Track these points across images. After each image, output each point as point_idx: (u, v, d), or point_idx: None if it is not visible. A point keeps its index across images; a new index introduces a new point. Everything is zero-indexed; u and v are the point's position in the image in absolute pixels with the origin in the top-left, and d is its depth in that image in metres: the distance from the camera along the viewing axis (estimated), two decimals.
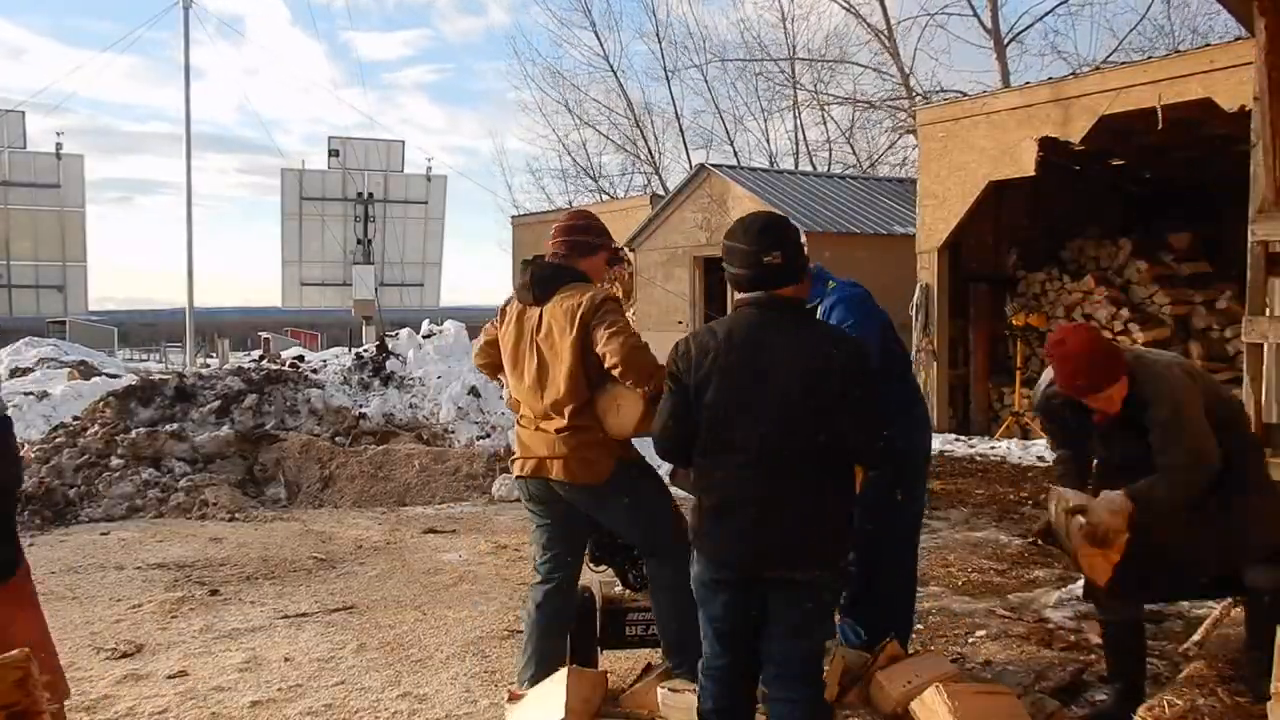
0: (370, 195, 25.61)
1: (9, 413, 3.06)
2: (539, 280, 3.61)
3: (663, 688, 3.28)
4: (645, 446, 3.39)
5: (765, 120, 29.85)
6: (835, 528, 2.77)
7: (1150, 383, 3.28)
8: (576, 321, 3.44)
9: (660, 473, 3.79)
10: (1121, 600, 3.48)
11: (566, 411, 3.50)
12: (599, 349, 3.40)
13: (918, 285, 12.12)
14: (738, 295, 2.87)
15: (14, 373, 13.20)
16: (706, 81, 33.92)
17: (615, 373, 3.39)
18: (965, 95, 14.83)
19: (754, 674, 2.84)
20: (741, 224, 2.88)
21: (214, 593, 5.61)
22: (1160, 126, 9.34)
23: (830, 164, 27.49)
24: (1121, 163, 12.08)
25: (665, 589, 3.56)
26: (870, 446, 2.79)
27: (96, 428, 8.85)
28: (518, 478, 3.71)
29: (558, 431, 3.51)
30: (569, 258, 3.67)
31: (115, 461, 8.37)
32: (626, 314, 3.56)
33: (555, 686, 3.22)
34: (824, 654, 2.99)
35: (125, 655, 4.56)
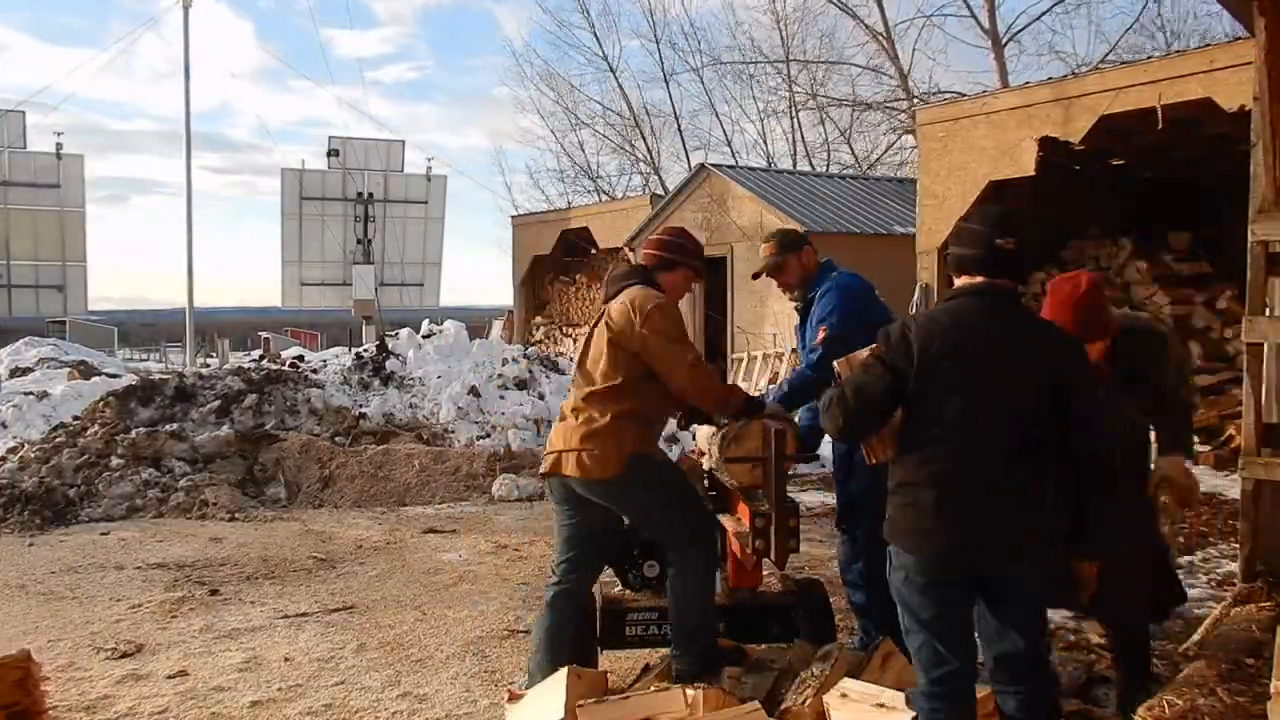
0: (370, 195, 25.64)
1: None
2: (613, 279, 3.73)
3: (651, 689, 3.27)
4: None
5: (763, 121, 29.87)
6: (1051, 525, 2.70)
7: (1151, 340, 3.51)
8: (619, 316, 3.50)
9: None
10: None
11: (589, 400, 3.53)
12: (658, 367, 3.47)
13: (918, 285, 12.10)
14: (957, 281, 2.79)
15: (14, 373, 13.19)
16: (703, 83, 34.00)
17: (681, 395, 3.50)
18: (964, 95, 14.84)
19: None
20: (981, 209, 2.91)
21: (214, 593, 5.61)
22: (1160, 126, 9.33)
23: (829, 165, 27.49)
24: (1121, 163, 12.07)
25: (688, 577, 3.55)
26: (1089, 450, 2.68)
27: (96, 428, 8.85)
28: (541, 475, 3.76)
29: (575, 417, 3.54)
30: (652, 270, 3.74)
31: (115, 461, 8.37)
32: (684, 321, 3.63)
33: (555, 686, 3.22)
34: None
35: (125, 655, 4.57)
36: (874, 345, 2.82)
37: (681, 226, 4.00)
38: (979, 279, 2.72)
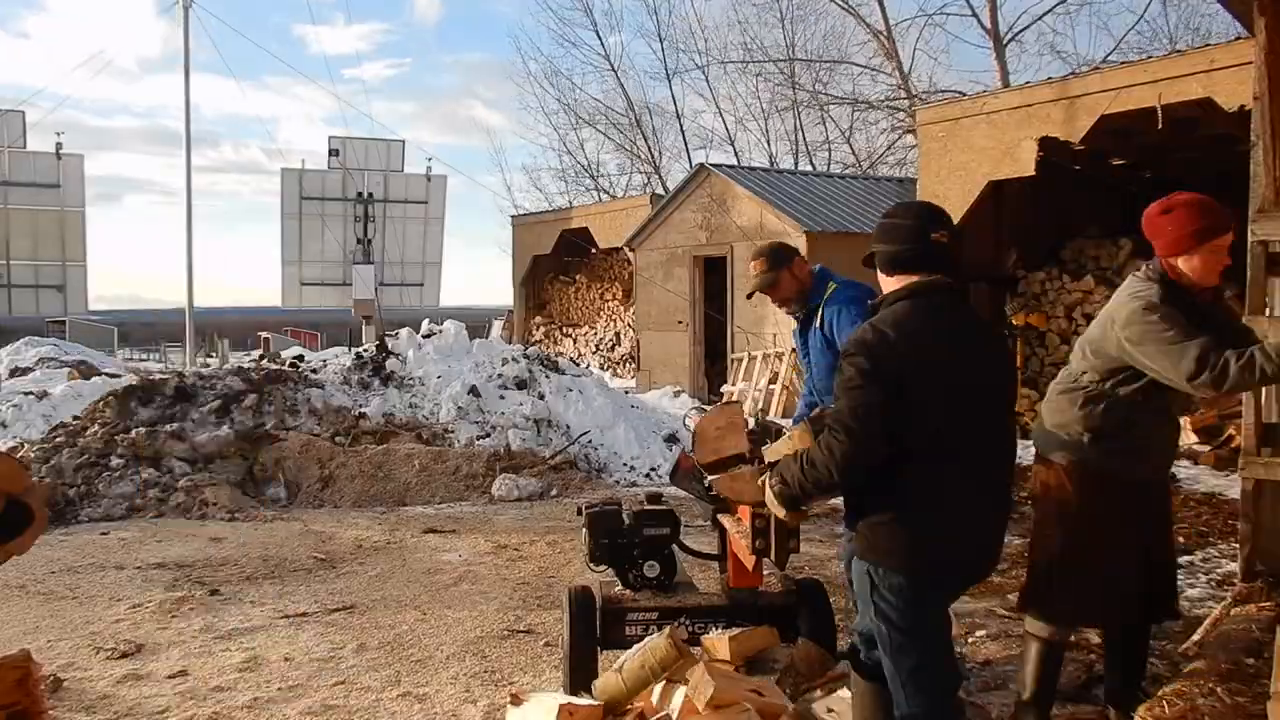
0: (370, 195, 25.65)
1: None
2: None
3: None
4: None
5: (765, 120, 29.85)
6: None
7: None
8: None
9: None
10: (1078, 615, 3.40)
11: None
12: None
13: None
14: (889, 280, 2.66)
15: (14, 372, 13.21)
16: (708, 81, 33.99)
17: None
18: (964, 95, 14.84)
19: None
20: (902, 204, 2.85)
21: (214, 593, 5.61)
22: (1160, 126, 9.33)
23: (830, 164, 27.49)
24: (1121, 163, 12.07)
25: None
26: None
27: (96, 428, 8.85)
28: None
29: None
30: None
31: (115, 461, 8.37)
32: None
33: (545, 716, 3.13)
34: None
35: (125, 655, 4.57)
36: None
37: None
38: (920, 279, 2.59)
